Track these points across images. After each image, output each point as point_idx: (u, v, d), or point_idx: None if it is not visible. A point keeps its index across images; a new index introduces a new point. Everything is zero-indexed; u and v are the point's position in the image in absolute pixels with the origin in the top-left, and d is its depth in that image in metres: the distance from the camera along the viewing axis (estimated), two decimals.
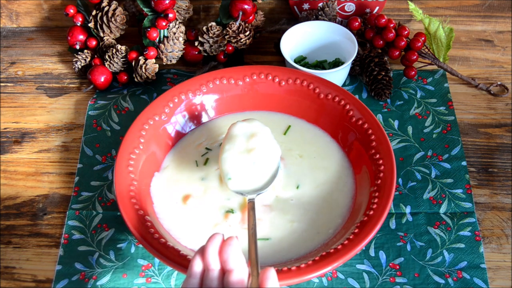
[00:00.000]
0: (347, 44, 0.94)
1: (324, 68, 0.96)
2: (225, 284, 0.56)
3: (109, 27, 0.98)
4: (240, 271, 0.56)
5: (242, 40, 0.97)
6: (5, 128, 0.94)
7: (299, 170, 0.81)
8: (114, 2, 0.98)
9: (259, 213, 0.76)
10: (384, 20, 0.95)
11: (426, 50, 0.97)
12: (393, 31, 0.95)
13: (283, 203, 0.78)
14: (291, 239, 0.74)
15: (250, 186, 0.74)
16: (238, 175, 0.74)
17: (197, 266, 0.58)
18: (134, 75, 0.97)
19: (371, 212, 0.71)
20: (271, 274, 0.55)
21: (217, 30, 0.97)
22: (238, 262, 0.56)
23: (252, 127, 0.77)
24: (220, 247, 0.57)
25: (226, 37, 0.98)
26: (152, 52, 0.95)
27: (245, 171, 0.74)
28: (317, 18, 1.00)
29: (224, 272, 0.57)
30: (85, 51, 1.00)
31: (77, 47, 1.01)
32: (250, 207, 0.70)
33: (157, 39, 0.96)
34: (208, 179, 0.80)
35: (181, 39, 0.97)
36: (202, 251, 0.58)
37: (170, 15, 0.93)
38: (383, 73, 0.94)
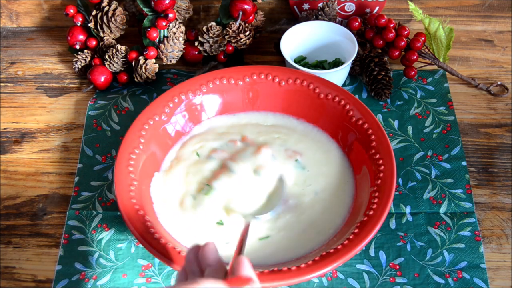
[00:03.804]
0: (347, 44, 0.94)
1: (324, 68, 0.96)
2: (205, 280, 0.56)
3: (109, 27, 0.98)
4: (216, 266, 0.57)
5: (242, 40, 0.97)
6: (5, 128, 0.94)
7: (299, 170, 0.81)
8: (114, 2, 0.98)
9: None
10: (384, 20, 0.95)
11: (426, 50, 0.97)
12: (393, 31, 0.95)
13: (285, 201, 0.78)
14: (291, 239, 0.74)
15: (251, 211, 0.76)
16: (241, 205, 0.76)
17: (180, 276, 0.60)
18: (134, 75, 0.97)
19: (371, 212, 0.71)
20: (244, 260, 0.55)
21: (217, 30, 0.97)
22: (214, 259, 0.57)
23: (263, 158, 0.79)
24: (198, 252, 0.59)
25: (226, 37, 0.98)
26: (152, 52, 0.95)
27: (249, 201, 0.76)
28: (317, 18, 1.00)
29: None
30: (85, 51, 1.00)
31: (77, 47, 1.01)
32: (243, 232, 0.69)
33: (157, 39, 0.96)
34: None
35: (181, 39, 0.97)
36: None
37: (170, 15, 0.93)
38: (383, 73, 0.94)
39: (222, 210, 0.76)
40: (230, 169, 0.78)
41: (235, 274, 0.54)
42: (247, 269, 0.55)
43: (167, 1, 0.94)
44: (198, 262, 0.59)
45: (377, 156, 0.77)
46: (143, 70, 0.95)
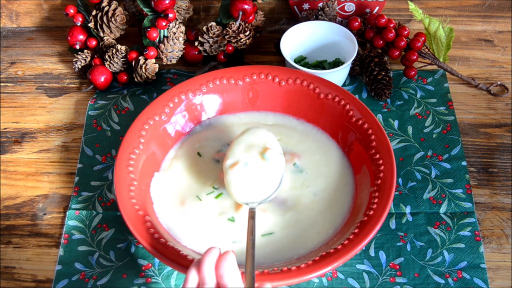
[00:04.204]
0: (347, 44, 0.94)
1: (324, 68, 0.96)
2: None
3: (109, 27, 0.98)
4: (234, 287, 0.56)
5: (242, 40, 0.97)
6: (5, 128, 0.94)
7: (296, 174, 0.81)
8: (114, 2, 0.98)
9: (263, 206, 0.77)
10: (384, 20, 0.95)
11: (426, 50, 0.97)
12: (393, 31, 0.95)
13: (284, 202, 0.78)
14: (291, 238, 0.75)
15: (255, 198, 0.74)
16: (244, 189, 0.74)
17: (192, 279, 0.58)
18: (134, 75, 0.97)
19: (371, 212, 0.71)
20: None
21: (217, 30, 0.97)
22: (233, 278, 0.57)
23: (260, 138, 0.77)
24: (216, 261, 0.58)
25: (226, 37, 0.98)
26: (152, 52, 0.95)
27: (251, 184, 0.74)
28: (317, 18, 1.00)
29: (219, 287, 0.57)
30: (85, 51, 1.00)
31: (77, 47, 1.01)
32: (251, 216, 0.70)
33: (157, 39, 0.96)
34: (208, 185, 0.80)
35: (181, 39, 0.97)
36: (198, 265, 0.58)
37: (170, 15, 0.93)
38: (383, 73, 0.94)
39: (232, 207, 0.76)
40: (239, 163, 0.76)
41: None
42: None
43: (167, 1, 0.94)
44: (215, 271, 0.58)
45: (377, 156, 0.77)
46: (143, 70, 0.95)
